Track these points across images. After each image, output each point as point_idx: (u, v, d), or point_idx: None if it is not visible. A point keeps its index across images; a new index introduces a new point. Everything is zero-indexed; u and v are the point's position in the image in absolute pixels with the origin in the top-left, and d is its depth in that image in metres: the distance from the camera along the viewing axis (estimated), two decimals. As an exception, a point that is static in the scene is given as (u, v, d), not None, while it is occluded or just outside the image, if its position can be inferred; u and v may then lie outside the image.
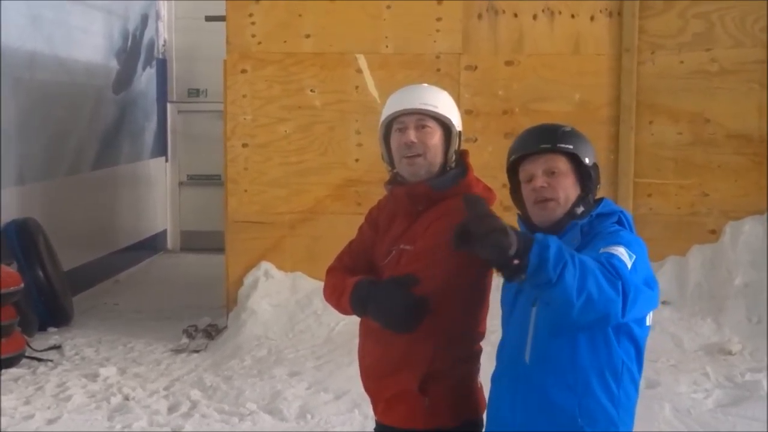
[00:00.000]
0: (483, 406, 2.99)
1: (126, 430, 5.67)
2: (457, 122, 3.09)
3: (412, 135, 3.02)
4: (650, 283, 2.46)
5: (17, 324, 7.27)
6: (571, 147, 2.66)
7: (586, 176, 2.67)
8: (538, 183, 2.66)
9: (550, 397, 2.56)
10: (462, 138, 3.16)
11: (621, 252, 2.42)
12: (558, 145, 2.66)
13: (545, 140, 2.68)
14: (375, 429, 3.21)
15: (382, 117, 3.12)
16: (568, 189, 2.65)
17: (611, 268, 2.34)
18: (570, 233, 2.62)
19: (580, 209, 2.65)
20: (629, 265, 2.39)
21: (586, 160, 2.67)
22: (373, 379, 3.13)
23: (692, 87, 7.83)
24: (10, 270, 7.40)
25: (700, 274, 7.61)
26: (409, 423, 3.00)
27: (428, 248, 2.98)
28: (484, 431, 2.87)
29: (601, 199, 2.75)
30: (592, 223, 2.65)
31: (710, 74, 7.82)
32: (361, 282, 3.00)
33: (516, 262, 2.21)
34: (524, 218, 2.74)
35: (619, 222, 2.68)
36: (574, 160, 2.67)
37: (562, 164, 2.66)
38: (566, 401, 2.55)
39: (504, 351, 2.76)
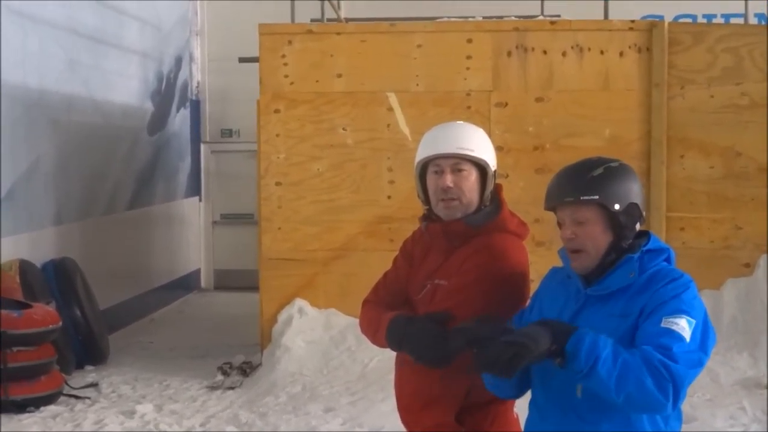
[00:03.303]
0: (519, 437, 3.01)
1: (163, 466, 5.73)
2: (492, 162, 3.11)
3: (448, 180, 3.05)
4: (705, 344, 2.53)
5: (55, 362, 7.36)
6: (596, 197, 2.62)
7: (616, 222, 2.64)
8: (566, 234, 2.67)
9: None
10: (497, 174, 3.20)
11: (682, 326, 2.49)
12: (582, 197, 2.63)
13: (569, 191, 2.66)
14: (413, 460, 3.22)
15: (418, 156, 3.14)
16: (596, 238, 2.64)
17: (664, 370, 2.42)
18: (624, 267, 2.63)
19: (612, 256, 2.65)
20: (688, 336, 2.48)
21: (616, 207, 2.62)
22: (411, 411, 3.15)
23: (723, 121, 7.85)
24: (49, 308, 7.51)
25: (734, 308, 7.57)
26: (446, 454, 3.03)
27: (463, 285, 3.01)
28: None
29: (647, 233, 2.75)
30: (643, 259, 2.65)
31: (741, 108, 7.84)
32: (396, 318, 3.02)
33: (554, 347, 2.46)
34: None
35: (667, 259, 2.70)
36: (603, 206, 2.64)
37: (590, 213, 2.63)
38: None
39: (551, 381, 2.71)
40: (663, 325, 2.50)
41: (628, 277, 2.62)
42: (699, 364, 2.50)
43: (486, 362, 2.46)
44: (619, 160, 2.75)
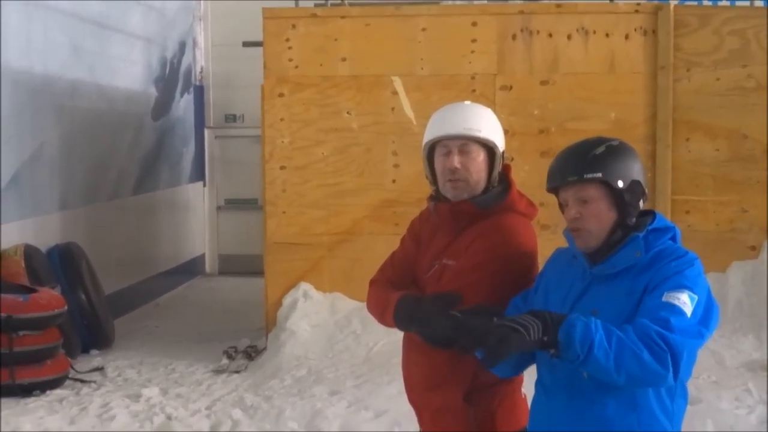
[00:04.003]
0: (526, 417, 3.01)
1: (170, 448, 5.75)
2: (500, 143, 3.10)
3: (456, 161, 3.04)
4: (707, 320, 2.52)
5: (61, 346, 7.38)
6: (599, 175, 2.62)
7: (620, 199, 2.65)
8: (571, 214, 2.67)
9: (609, 413, 2.58)
10: (504, 155, 3.18)
11: (683, 300, 2.48)
12: (585, 176, 2.63)
13: (572, 171, 2.66)
14: (420, 440, 3.23)
15: (426, 137, 3.13)
16: (600, 216, 2.64)
17: (661, 341, 2.41)
18: (630, 246, 2.63)
19: (617, 235, 2.65)
20: (689, 312, 2.48)
21: (619, 183, 2.63)
22: (419, 391, 3.16)
23: (729, 103, 7.82)
24: (54, 293, 7.52)
25: (740, 291, 7.56)
26: (454, 434, 3.03)
27: (471, 265, 3.00)
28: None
29: (653, 213, 2.75)
30: (648, 237, 2.65)
31: (747, 90, 7.81)
32: (404, 298, 3.02)
33: (545, 338, 2.43)
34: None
35: (673, 238, 2.69)
36: (606, 183, 2.64)
37: (593, 192, 2.64)
38: (626, 417, 2.57)
39: (557, 361, 2.66)
40: (664, 299, 2.50)
41: (634, 257, 2.61)
42: (699, 336, 2.49)
43: (473, 346, 2.48)
44: (619, 139, 2.75)
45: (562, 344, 2.42)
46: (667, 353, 2.41)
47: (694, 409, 5.90)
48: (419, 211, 3.34)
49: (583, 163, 2.65)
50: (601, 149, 2.67)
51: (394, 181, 8.00)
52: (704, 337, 2.51)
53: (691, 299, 2.50)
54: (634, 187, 2.66)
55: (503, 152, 3.14)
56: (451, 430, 3.04)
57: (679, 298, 2.49)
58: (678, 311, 2.47)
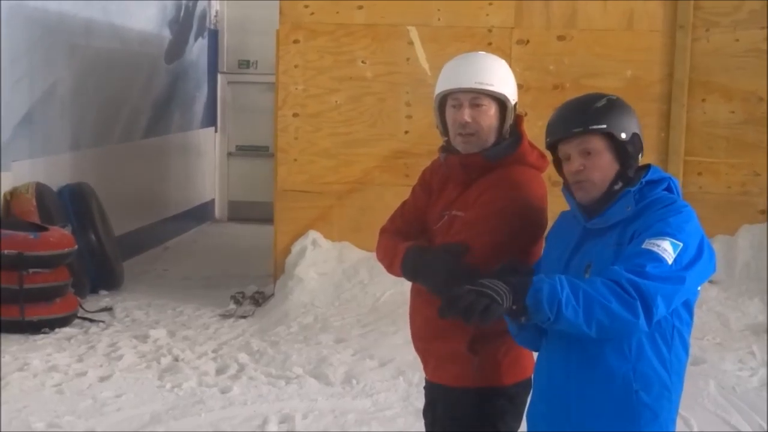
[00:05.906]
0: (531, 368, 3.03)
1: (176, 389, 5.80)
2: (512, 96, 3.07)
3: (466, 114, 3.02)
4: (693, 267, 2.49)
5: (70, 285, 7.44)
6: (604, 126, 2.62)
7: (623, 151, 2.65)
8: (574, 166, 2.66)
9: (605, 364, 2.59)
10: (517, 107, 3.15)
11: (663, 248, 2.46)
12: (590, 127, 2.63)
13: (577, 123, 2.65)
14: (425, 387, 3.26)
15: (438, 88, 3.11)
16: (604, 168, 2.65)
17: (631, 288, 2.39)
18: (622, 200, 2.63)
19: (618, 185, 2.65)
20: (671, 259, 2.45)
21: (622, 135, 2.64)
22: (424, 339, 3.18)
23: (746, 65, 7.74)
24: (65, 232, 7.56)
25: (748, 254, 7.56)
26: (458, 382, 3.06)
27: (480, 216, 3.00)
28: (533, 393, 2.90)
29: (648, 166, 2.75)
30: (643, 190, 2.65)
31: (765, 52, 7.72)
32: (412, 248, 3.03)
33: (515, 307, 2.40)
34: (570, 191, 2.74)
35: (668, 189, 2.69)
36: (610, 135, 2.64)
37: (597, 143, 2.64)
38: (621, 367, 2.57)
39: None
40: (644, 246, 2.49)
41: (625, 211, 2.62)
42: (679, 281, 2.46)
43: (456, 311, 2.39)
44: (615, 95, 2.76)
45: (530, 309, 2.40)
46: (636, 300, 2.40)
47: (697, 369, 5.95)
48: (431, 163, 3.33)
49: (587, 115, 2.66)
50: (602, 102, 2.68)
51: (406, 132, 7.97)
52: (686, 281, 2.48)
53: (674, 246, 2.48)
54: (635, 139, 2.68)
55: (515, 104, 3.12)
56: (453, 378, 3.07)
57: (659, 245, 2.47)
58: (656, 257, 2.45)
